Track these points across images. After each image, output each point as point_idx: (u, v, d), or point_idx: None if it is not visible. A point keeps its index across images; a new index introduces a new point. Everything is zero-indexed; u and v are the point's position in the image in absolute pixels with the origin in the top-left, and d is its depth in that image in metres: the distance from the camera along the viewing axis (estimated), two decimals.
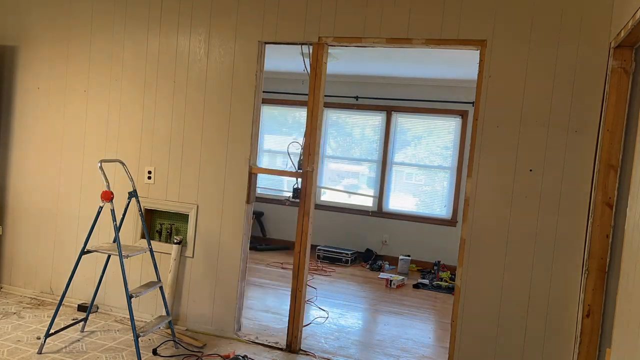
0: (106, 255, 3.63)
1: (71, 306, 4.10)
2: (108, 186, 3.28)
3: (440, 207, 6.91)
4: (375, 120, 7.16)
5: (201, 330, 3.81)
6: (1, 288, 4.40)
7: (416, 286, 5.81)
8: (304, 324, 3.80)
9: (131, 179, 3.54)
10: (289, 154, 4.19)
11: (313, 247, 6.41)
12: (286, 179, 7.14)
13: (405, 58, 5.45)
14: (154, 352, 3.41)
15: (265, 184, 7.40)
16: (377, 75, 6.71)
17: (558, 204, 3.02)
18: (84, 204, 4.12)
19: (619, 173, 2.75)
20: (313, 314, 4.53)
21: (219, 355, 3.42)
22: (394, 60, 5.61)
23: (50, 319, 3.47)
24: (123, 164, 3.57)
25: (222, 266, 3.77)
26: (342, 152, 7.39)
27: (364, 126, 7.27)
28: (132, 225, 3.95)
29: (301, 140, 3.70)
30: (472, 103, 6.01)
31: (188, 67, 3.82)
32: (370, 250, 6.93)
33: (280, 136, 7.32)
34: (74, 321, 3.65)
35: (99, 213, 3.38)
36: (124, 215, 3.53)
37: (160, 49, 3.90)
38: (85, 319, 3.68)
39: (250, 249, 4.32)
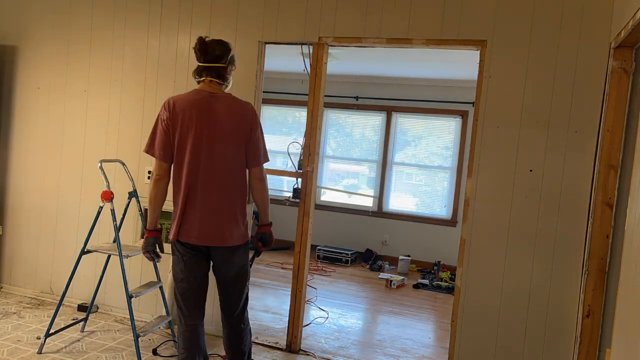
0: (106, 255, 3.63)
1: (71, 306, 4.10)
2: (108, 186, 3.28)
3: (440, 207, 6.91)
4: (375, 120, 7.15)
5: None
6: (1, 288, 4.40)
7: (416, 286, 5.81)
8: (304, 324, 3.80)
9: (131, 179, 3.54)
10: (289, 154, 4.19)
11: (313, 247, 6.41)
12: (286, 179, 7.14)
13: (405, 58, 5.45)
14: (154, 352, 3.41)
15: None
16: (377, 75, 6.70)
17: (558, 204, 3.02)
18: (84, 204, 4.11)
19: (619, 173, 2.75)
20: (313, 314, 4.53)
21: (219, 355, 3.42)
22: (394, 60, 5.60)
23: (50, 319, 3.47)
24: (123, 163, 3.57)
25: None
26: (342, 152, 7.39)
27: (364, 126, 7.27)
28: (132, 225, 3.95)
29: (301, 140, 3.70)
30: (472, 103, 6.00)
31: (188, 67, 3.81)
32: (370, 251, 6.93)
33: (280, 136, 7.32)
34: (74, 321, 3.65)
35: (99, 213, 3.38)
36: (124, 215, 3.53)
37: (160, 49, 3.90)
38: (85, 319, 3.68)
39: (250, 249, 4.31)
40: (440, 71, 6.03)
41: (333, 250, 6.70)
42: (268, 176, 2.83)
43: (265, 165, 2.78)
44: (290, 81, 7.09)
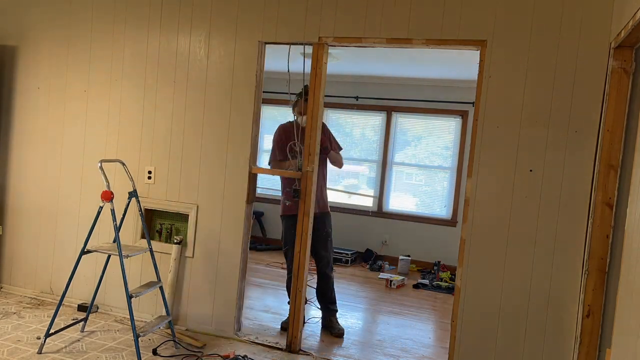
0: (106, 255, 3.63)
1: (71, 306, 4.10)
2: (108, 186, 3.28)
3: (440, 207, 6.91)
4: (375, 120, 7.16)
5: (201, 330, 3.81)
6: (1, 288, 4.40)
7: (416, 286, 5.81)
8: (303, 323, 3.80)
9: (131, 179, 3.54)
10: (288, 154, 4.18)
11: None
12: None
13: (405, 58, 5.45)
14: (154, 352, 3.41)
15: (265, 184, 7.42)
16: (377, 75, 6.70)
17: (558, 204, 3.02)
18: (84, 204, 4.12)
19: (619, 173, 2.75)
20: (313, 314, 4.53)
21: (219, 355, 3.42)
22: (394, 60, 5.61)
23: (50, 319, 3.47)
24: (123, 163, 3.57)
25: (222, 266, 3.77)
26: (342, 152, 7.37)
27: (364, 126, 7.27)
28: (132, 225, 3.95)
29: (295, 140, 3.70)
30: (472, 103, 6.01)
31: (188, 67, 3.82)
32: (370, 251, 6.93)
33: None
34: (74, 321, 3.65)
35: (99, 213, 3.38)
36: (124, 215, 3.53)
37: (160, 49, 3.90)
38: (85, 319, 3.68)
39: (250, 249, 4.32)
40: (440, 71, 6.03)
41: (333, 250, 6.69)
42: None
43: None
44: (290, 81, 7.07)
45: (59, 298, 4.02)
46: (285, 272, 5.84)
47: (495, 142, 3.13)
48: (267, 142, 7.43)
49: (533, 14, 3.04)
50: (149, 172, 3.93)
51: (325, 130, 3.98)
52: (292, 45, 3.64)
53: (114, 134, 4.04)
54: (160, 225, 4.02)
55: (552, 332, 3.04)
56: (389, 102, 6.97)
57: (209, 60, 3.77)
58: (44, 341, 3.30)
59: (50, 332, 3.34)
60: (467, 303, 3.19)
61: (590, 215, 2.89)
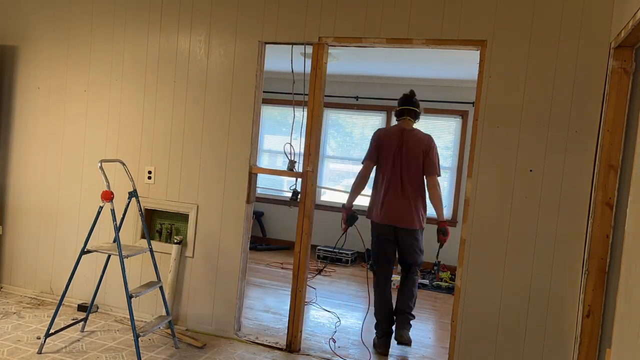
0: (106, 255, 3.63)
1: (71, 306, 4.10)
2: (108, 186, 3.28)
3: None
4: (375, 120, 7.15)
5: (201, 330, 3.82)
6: (1, 288, 4.40)
7: None
8: (303, 322, 3.80)
9: (131, 179, 3.54)
10: (286, 154, 4.18)
11: (313, 247, 6.41)
12: (286, 179, 7.14)
13: (405, 58, 5.45)
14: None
15: (265, 184, 7.41)
16: (377, 75, 6.70)
17: (558, 204, 3.02)
18: (84, 204, 4.12)
19: (619, 173, 2.75)
20: (313, 314, 4.53)
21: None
22: (394, 60, 5.61)
23: (50, 319, 3.47)
24: (123, 163, 3.57)
25: (222, 266, 3.77)
26: (342, 152, 7.39)
27: (364, 126, 7.26)
28: (132, 225, 3.95)
29: (291, 140, 3.70)
30: (472, 103, 6.01)
31: (188, 67, 3.82)
32: (370, 251, 6.91)
33: (280, 136, 7.31)
34: (74, 321, 3.65)
35: (99, 213, 3.38)
36: (124, 215, 3.53)
37: (160, 49, 3.90)
38: (85, 319, 3.68)
39: (250, 249, 4.32)
40: (440, 71, 6.03)
41: (333, 250, 6.70)
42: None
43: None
44: (290, 81, 7.08)
45: (59, 298, 4.02)
46: (284, 272, 5.85)
47: (495, 142, 3.13)
48: (267, 142, 7.46)
49: (533, 14, 3.04)
50: (149, 172, 3.93)
51: (432, 147, 4.01)
52: (292, 46, 3.64)
53: (114, 134, 4.04)
54: (160, 225, 4.02)
55: (552, 332, 3.04)
56: (389, 102, 6.96)
57: (209, 60, 3.77)
58: (44, 341, 3.31)
59: (50, 332, 3.34)
60: (467, 303, 3.19)
61: (590, 215, 2.88)
